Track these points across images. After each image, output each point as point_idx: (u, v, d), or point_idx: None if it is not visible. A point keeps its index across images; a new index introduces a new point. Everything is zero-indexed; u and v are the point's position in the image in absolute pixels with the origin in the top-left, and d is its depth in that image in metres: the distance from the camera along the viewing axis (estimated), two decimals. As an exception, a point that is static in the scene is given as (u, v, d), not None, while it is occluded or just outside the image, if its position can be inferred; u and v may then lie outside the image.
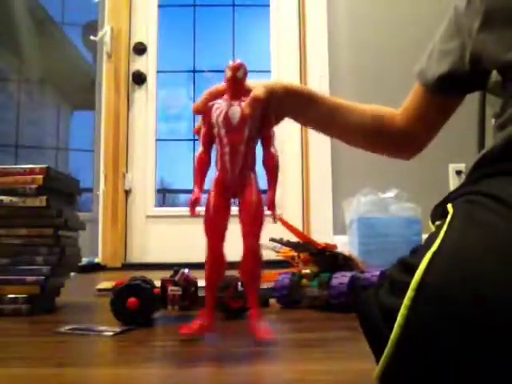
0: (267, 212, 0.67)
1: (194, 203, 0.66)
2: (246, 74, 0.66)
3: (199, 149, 0.70)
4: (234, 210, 0.68)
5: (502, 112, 0.59)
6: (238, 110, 0.66)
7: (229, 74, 0.66)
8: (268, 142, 0.70)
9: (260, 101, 0.65)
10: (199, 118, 0.70)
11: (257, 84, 0.68)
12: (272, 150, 0.69)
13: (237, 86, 0.67)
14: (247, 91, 0.66)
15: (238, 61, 0.66)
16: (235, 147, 0.67)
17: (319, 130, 0.85)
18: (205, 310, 0.68)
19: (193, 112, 0.69)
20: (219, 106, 0.67)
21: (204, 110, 0.68)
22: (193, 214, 0.66)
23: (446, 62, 0.69)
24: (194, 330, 0.67)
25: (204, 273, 0.68)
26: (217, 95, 0.68)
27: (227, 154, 0.67)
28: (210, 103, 0.68)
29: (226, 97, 0.68)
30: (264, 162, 0.70)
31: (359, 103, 0.84)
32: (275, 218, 0.68)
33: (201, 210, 0.67)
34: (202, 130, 0.69)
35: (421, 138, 0.83)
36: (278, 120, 0.75)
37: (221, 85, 0.69)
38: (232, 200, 0.69)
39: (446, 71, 0.69)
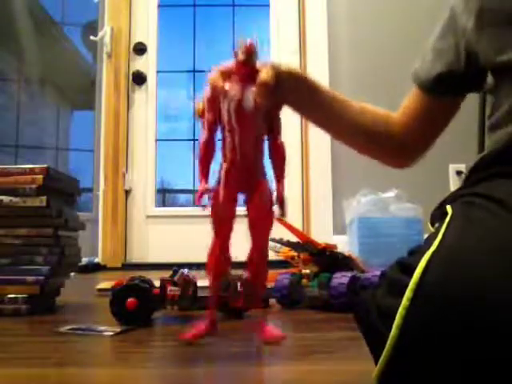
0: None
1: (201, 195, 0.62)
2: (257, 57, 0.61)
3: (203, 135, 0.64)
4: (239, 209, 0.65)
5: (492, 112, 0.59)
6: (251, 97, 0.60)
7: (242, 57, 0.60)
8: (275, 133, 0.66)
9: (269, 86, 0.61)
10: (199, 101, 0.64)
11: (263, 66, 0.63)
12: (279, 141, 0.66)
13: (249, 70, 0.61)
14: (258, 73, 0.61)
15: (249, 41, 0.59)
16: (248, 137, 0.62)
17: (319, 121, 0.79)
18: (208, 310, 0.67)
19: (210, 92, 0.63)
20: (229, 92, 0.61)
21: (221, 90, 0.61)
22: (198, 203, 0.62)
23: (441, 62, 0.68)
24: (198, 333, 0.65)
25: (206, 269, 0.65)
26: (226, 76, 0.62)
27: (238, 144, 0.61)
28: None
29: (235, 80, 0.61)
30: (271, 155, 0.66)
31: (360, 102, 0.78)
32: (284, 214, 0.65)
33: (206, 201, 0.63)
34: (208, 116, 0.64)
35: (417, 144, 0.79)
36: (279, 106, 0.70)
37: (230, 64, 0.62)
38: (238, 194, 0.64)
39: (441, 71, 0.68)
